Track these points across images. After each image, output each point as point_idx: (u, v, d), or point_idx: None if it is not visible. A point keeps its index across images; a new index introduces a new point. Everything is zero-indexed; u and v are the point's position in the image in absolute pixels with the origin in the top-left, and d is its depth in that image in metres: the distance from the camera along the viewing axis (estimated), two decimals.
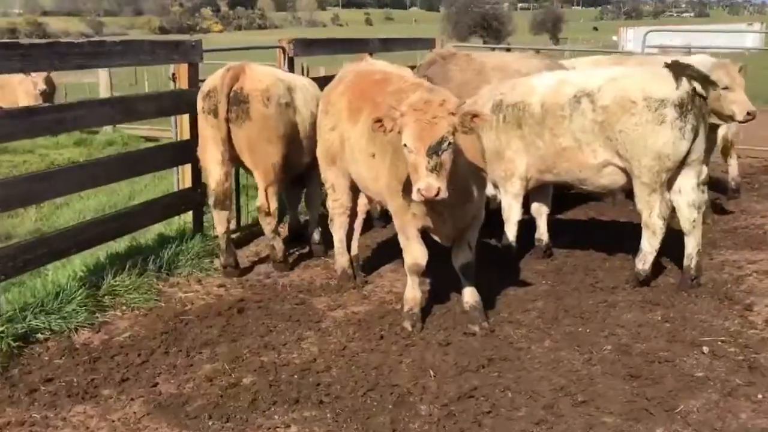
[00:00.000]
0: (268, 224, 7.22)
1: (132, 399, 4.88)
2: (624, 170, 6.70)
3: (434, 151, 4.81)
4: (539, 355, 5.49)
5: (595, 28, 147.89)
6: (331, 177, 6.86)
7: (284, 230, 8.34)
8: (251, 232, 8.46)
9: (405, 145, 4.96)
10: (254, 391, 4.93)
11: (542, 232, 7.80)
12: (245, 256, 7.81)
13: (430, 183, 4.79)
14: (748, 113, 7.87)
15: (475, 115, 4.96)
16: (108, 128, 17.82)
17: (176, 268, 7.13)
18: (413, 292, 5.98)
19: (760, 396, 4.84)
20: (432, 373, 5.18)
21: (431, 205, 5.29)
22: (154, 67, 17.57)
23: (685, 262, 6.81)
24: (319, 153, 6.92)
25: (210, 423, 4.60)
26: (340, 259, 7.01)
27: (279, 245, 7.34)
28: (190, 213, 7.89)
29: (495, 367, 5.29)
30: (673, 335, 5.77)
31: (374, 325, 6.00)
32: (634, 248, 6.91)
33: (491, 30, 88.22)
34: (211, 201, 7.11)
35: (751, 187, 11.02)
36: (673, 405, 4.74)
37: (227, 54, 13.41)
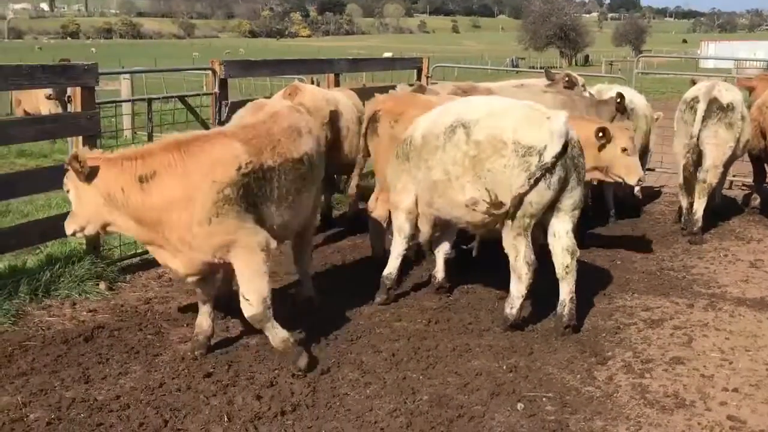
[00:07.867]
0: None
1: None
2: None
3: None
4: (352, 403, 5.28)
5: (684, 41, 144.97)
6: None
7: None
8: None
9: None
10: (29, 428, 4.86)
11: None
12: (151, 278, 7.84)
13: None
14: (639, 180, 7.77)
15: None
16: None
17: (55, 291, 7.08)
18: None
19: None
20: (226, 418, 5.01)
21: None
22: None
23: (558, 309, 6.51)
24: None
25: None
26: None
27: None
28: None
29: (296, 414, 5.10)
30: (503, 387, 5.50)
31: (209, 360, 5.88)
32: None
33: (568, 41, 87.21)
34: None
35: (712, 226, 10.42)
36: None
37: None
